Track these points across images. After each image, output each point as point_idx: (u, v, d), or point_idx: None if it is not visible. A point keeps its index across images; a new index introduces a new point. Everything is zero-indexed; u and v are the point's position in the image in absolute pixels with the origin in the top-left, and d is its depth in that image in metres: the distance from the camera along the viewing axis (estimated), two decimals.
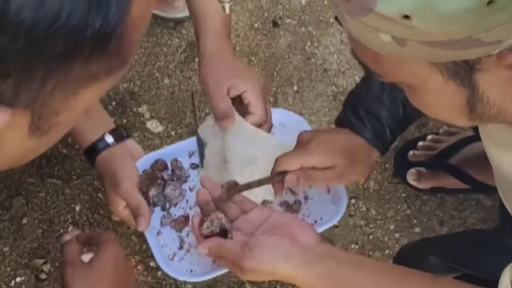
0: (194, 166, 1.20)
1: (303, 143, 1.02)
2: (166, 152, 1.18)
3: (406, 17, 0.54)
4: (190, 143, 1.20)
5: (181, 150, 1.19)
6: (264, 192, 1.10)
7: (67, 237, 0.95)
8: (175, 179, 1.17)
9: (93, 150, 1.09)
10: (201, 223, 0.91)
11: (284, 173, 1.00)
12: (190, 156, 1.19)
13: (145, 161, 1.15)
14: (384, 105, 1.01)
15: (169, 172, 1.17)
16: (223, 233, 0.91)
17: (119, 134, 1.11)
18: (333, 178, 1.02)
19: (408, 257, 1.00)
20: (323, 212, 1.13)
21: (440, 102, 0.63)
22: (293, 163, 1.00)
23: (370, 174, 1.31)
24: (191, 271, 1.10)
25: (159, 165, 1.17)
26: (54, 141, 0.55)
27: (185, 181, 1.17)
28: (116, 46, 0.47)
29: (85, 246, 0.97)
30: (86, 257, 0.93)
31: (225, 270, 1.06)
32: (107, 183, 1.08)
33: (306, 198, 1.16)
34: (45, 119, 0.49)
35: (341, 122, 1.06)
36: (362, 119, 1.02)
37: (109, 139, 1.09)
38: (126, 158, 1.10)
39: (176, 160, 1.18)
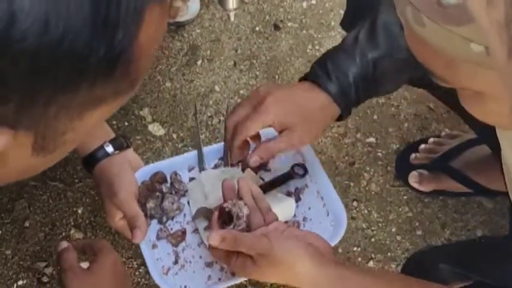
0: (193, 180, 1.18)
1: (257, 100, 0.99)
2: (166, 165, 1.17)
3: None
4: (191, 156, 1.19)
5: (181, 163, 1.18)
6: (282, 214, 1.11)
7: (64, 244, 0.95)
8: (173, 192, 1.15)
9: (91, 159, 1.08)
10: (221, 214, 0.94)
11: (245, 146, 1.01)
12: (189, 170, 1.18)
13: (144, 172, 1.14)
14: (355, 62, 0.97)
15: (168, 185, 1.16)
16: (229, 218, 0.92)
17: (119, 144, 1.09)
18: (290, 144, 1.00)
19: (418, 265, 1.00)
20: (321, 234, 1.13)
21: (504, 109, 0.59)
22: (250, 128, 0.98)
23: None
24: (185, 287, 1.09)
25: (158, 178, 1.15)
26: (60, 157, 0.54)
27: (183, 195, 1.16)
28: (123, 72, 0.46)
29: (81, 254, 0.97)
30: (83, 266, 0.93)
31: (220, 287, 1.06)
32: (104, 192, 1.06)
33: (304, 219, 1.15)
34: (50, 140, 0.48)
35: (306, 76, 1.02)
36: (329, 72, 0.97)
37: (109, 148, 1.07)
38: (124, 168, 1.08)
39: (176, 173, 1.17)
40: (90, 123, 0.50)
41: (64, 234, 1.25)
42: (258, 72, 1.46)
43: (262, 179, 1.18)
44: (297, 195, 1.17)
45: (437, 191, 1.29)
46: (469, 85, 0.60)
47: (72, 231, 1.25)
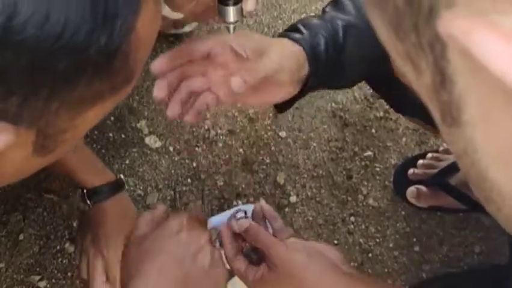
0: None
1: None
2: None
3: None
4: None
5: None
6: None
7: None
8: None
9: (94, 194, 1.10)
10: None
11: None
12: None
13: None
14: (326, 26, 0.91)
15: None
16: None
17: (120, 185, 1.12)
18: (264, 63, 0.85)
19: None
20: None
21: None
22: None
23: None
24: None
25: None
26: (58, 157, 0.54)
27: None
28: (121, 64, 0.46)
29: None
30: None
31: None
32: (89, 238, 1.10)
33: None
34: (51, 138, 0.49)
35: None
36: (300, 30, 0.90)
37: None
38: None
39: None
40: (88, 121, 0.50)
41: (58, 247, 1.25)
42: None
43: None
44: None
45: (434, 206, 1.29)
46: None
47: (67, 245, 1.25)
